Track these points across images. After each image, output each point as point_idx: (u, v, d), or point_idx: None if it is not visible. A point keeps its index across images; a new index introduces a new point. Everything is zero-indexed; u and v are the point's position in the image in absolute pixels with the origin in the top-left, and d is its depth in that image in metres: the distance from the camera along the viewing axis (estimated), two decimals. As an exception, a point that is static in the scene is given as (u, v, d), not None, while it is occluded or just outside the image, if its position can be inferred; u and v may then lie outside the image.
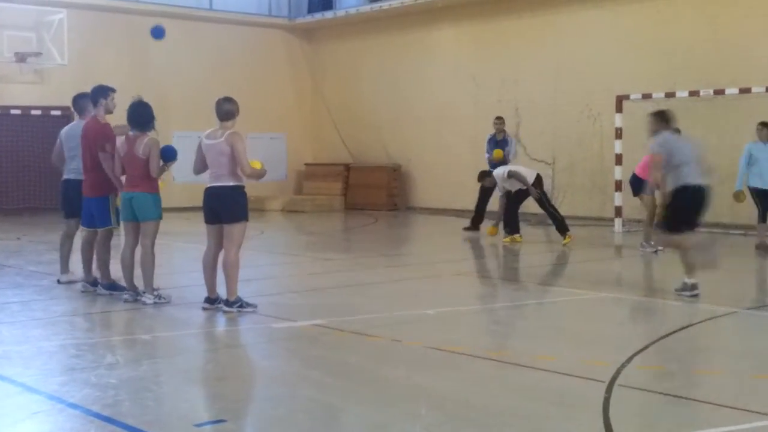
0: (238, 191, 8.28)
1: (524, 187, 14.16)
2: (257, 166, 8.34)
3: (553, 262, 12.66)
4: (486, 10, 20.30)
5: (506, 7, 19.90)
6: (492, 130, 15.89)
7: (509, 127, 19.09)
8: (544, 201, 14.23)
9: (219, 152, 8.19)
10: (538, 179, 14.26)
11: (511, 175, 14.20)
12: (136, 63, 21.42)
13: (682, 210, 9.07)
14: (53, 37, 19.85)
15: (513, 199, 14.43)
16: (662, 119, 9.43)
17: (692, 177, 8.99)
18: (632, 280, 11.46)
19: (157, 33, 9.15)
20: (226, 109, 8.32)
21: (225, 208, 8.25)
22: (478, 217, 15.89)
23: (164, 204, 8.97)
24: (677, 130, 10.17)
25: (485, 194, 15.79)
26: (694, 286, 9.07)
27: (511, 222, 14.43)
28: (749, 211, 13.86)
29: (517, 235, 14.32)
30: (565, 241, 13.84)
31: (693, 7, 16.95)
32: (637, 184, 12.91)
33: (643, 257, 12.66)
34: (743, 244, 14.25)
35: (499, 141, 15.57)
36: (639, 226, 15.50)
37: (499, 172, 14.40)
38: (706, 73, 16.02)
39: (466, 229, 15.90)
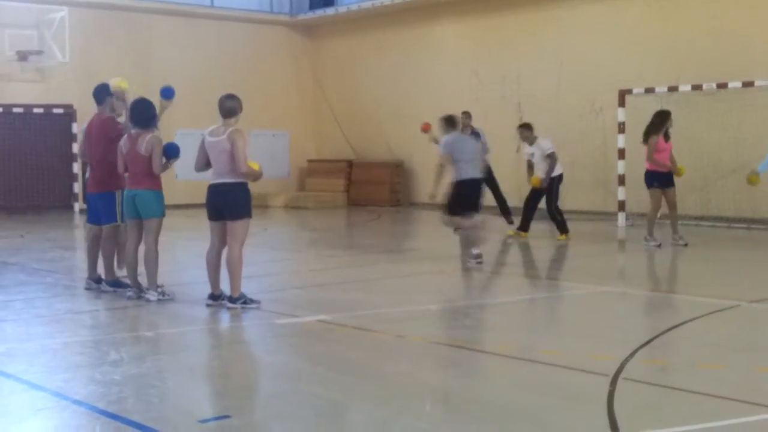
0: (242, 188, 8.28)
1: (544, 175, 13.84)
2: (255, 167, 8.31)
3: (557, 257, 12.65)
4: (488, 5, 20.27)
5: (508, 2, 19.87)
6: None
7: (512, 123, 19.04)
8: (553, 198, 14.04)
9: (221, 149, 8.19)
10: (560, 178, 14.11)
11: (551, 156, 13.77)
12: (138, 60, 21.42)
13: (461, 198, 11.05)
14: (55, 35, 19.87)
15: (533, 195, 14.18)
16: (449, 123, 11.37)
17: (469, 172, 11.05)
18: (636, 274, 11.46)
19: (167, 93, 9.16)
20: (229, 107, 8.32)
21: (228, 205, 8.25)
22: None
23: (167, 201, 8.98)
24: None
25: (494, 191, 15.67)
26: (478, 255, 11.03)
27: (524, 218, 14.26)
28: (752, 204, 13.85)
29: (523, 232, 14.24)
30: (560, 238, 13.78)
31: (695, 0, 16.91)
32: (647, 178, 12.83)
33: (646, 251, 12.65)
34: (746, 237, 14.25)
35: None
36: (641, 220, 15.50)
37: (547, 145, 13.84)
38: (708, 67, 15.99)
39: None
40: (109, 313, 8.57)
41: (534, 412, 5.15)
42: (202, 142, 8.40)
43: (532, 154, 14.01)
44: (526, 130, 14.03)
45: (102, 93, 9.38)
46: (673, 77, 16.17)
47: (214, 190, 8.31)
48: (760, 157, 13.57)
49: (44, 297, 9.26)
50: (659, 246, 12.67)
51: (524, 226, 14.29)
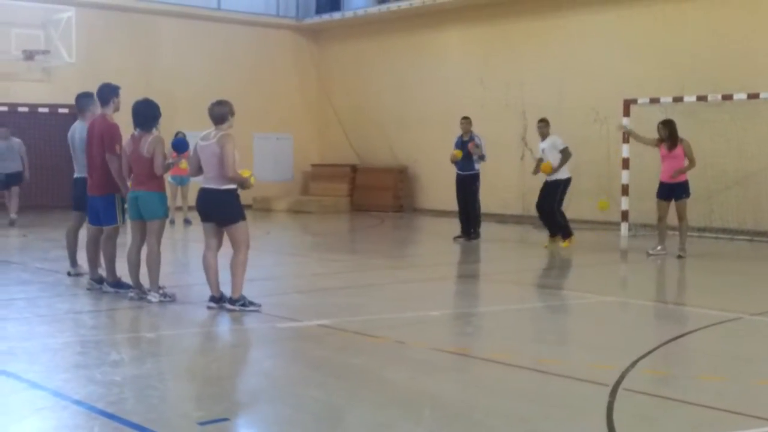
0: (230, 194, 8.25)
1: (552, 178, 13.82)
2: (245, 174, 8.31)
3: (559, 265, 12.64)
4: (493, 13, 20.29)
5: (513, 10, 19.89)
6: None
7: (516, 130, 19.10)
8: (557, 199, 13.87)
9: (211, 153, 8.20)
10: (568, 181, 14.02)
11: (564, 152, 13.76)
12: (144, 62, 21.48)
13: None
14: (61, 35, 19.89)
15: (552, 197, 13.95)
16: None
17: None
18: (638, 284, 11.43)
19: (181, 146, 9.18)
20: (218, 113, 8.31)
21: (218, 211, 8.27)
22: (466, 223, 15.60)
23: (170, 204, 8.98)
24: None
25: (465, 198, 15.58)
26: None
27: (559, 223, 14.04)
28: (755, 217, 13.82)
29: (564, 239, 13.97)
30: (564, 245, 13.75)
31: (700, 11, 16.92)
32: (686, 188, 12.77)
33: (649, 261, 12.62)
34: (749, 249, 14.23)
35: (465, 141, 15.48)
36: (644, 230, 15.48)
37: (560, 140, 13.92)
38: (713, 78, 15.99)
39: (457, 237, 15.53)
40: (110, 313, 8.58)
41: (533, 421, 5.14)
42: (195, 147, 8.43)
43: (543, 150, 13.98)
44: (544, 125, 14.18)
45: (107, 93, 9.32)
46: (677, 88, 16.17)
47: (203, 195, 8.35)
48: (764, 168, 13.64)
49: (46, 296, 9.27)
50: (662, 255, 12.68)
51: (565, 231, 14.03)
